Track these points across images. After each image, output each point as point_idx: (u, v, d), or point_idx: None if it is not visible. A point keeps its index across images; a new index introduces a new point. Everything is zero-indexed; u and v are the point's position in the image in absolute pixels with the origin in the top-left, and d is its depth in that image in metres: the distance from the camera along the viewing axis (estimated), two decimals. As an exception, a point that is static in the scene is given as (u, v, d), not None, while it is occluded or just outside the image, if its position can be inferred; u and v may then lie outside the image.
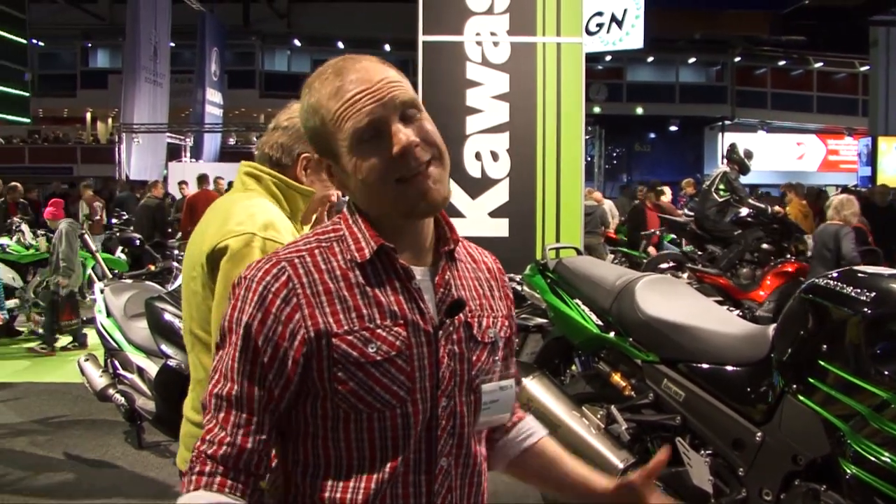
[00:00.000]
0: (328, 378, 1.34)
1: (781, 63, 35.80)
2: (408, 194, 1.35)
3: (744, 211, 10.42)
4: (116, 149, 20.81)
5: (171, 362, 4.66)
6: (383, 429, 1.36)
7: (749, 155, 10.93)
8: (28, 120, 21.81)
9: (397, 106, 1.35)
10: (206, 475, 1.32)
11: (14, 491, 5.17)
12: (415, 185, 1.35)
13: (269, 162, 2.34)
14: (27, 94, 20.35)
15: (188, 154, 23.65)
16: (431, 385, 1.39)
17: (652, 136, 38.20)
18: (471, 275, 1.52)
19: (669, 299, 3.35)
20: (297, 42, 35.11)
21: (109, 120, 36.12)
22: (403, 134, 1.33)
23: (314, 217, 2.45)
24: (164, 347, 4.77)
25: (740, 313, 8.03)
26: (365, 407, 1.35)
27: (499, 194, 6.82)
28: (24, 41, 19.85)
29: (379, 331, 1.36)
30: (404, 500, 1.39)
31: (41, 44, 33.57)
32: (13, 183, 14.20)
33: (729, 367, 3.03)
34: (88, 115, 38.51)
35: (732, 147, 11.04)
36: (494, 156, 6.83)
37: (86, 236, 10.15)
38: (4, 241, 10.68)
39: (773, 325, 2.99)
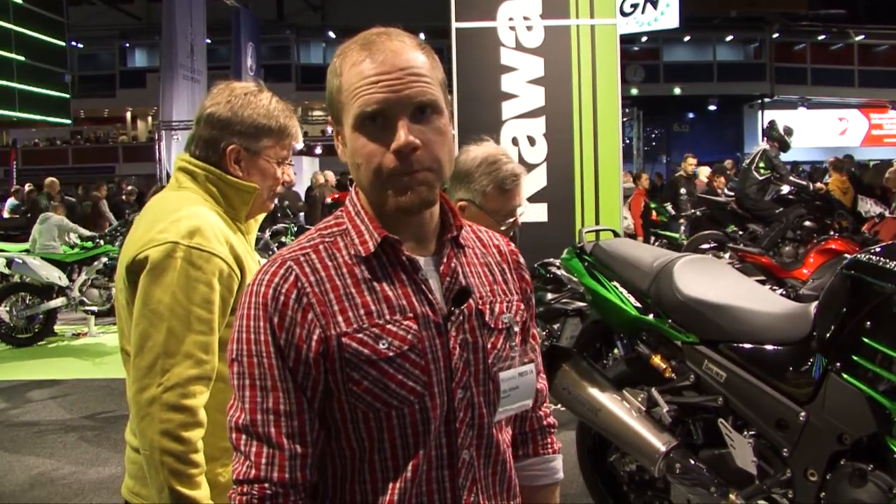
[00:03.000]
0: (342, 379, 1.32)
1: (821, 38, 35.16)
2: (393, 188, 1.32)
3: (785, 188, 10.33)
4: (156, 147, 21.01)
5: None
6: (403, 426, 1.33)
7: (789, 132, 10.79)
8: (69, 121, 22.07)
9: (412, 103, 1.30)
10: None
11: (65, 485, 5.27)
12: (398, 184, 1.31)
13: (204, 162, 2.09)
14: (68, 96, 20.60)
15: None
16: (446, 377, 1.36)
17: (690, 116, 37.82)
18: (479, 260, 1.49)
19: (708, 279, 3.31)
20: (331, 34, 35.17)
21: (149, 118, 36.55)
22: (406, 134, 1.28)
23: (262, 216, 2.25)
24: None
25: (784, 292, 7.93)
26: (382, 405, 1.32)
27: (537, 179, 6.79)
28: (63, 44, 20.09)
29: (389, 326, 1.33)
30: (428, 498, 1.37)
31: (80, 45, 34.01)
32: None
33: (770, 347, 2.99)
34: (128, 115, 38.99)
35: (772, 124, 10.91)
36: (531, 141, 6.80)
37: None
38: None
39: (815, 303, 2.94)
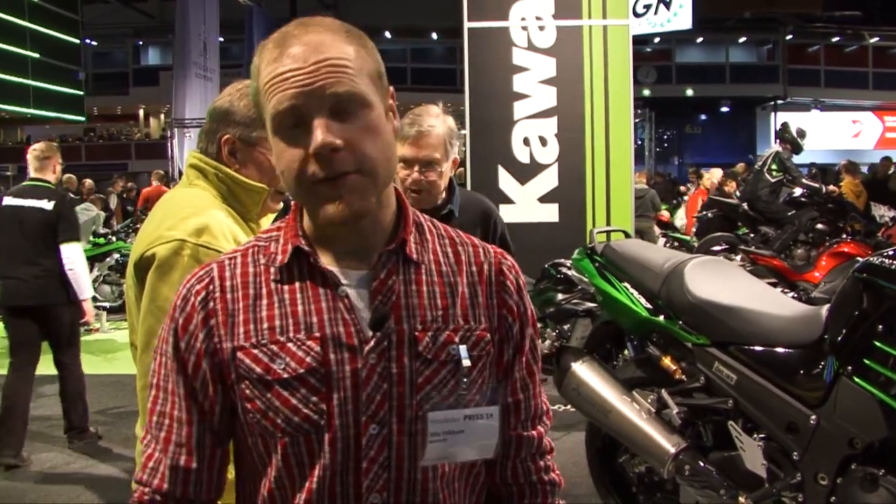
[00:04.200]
0: (238, 394, 1.21)
1: (835, 39, 34.96)
2: (318, 198, 1.17)
3: (797, 191, 10.28)
4: (169, 144, 21.07)
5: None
6: (298, 454, 1.20)
7: (802, 134, 10.75)
8: (83, 118, 22.17)
9: (327, 97, 1.14)
10: None
11: (76, 480, 5.30)
12: (323, 192, 1.15)
13: (204, 155, 2.07)
14: (82, 93, 20.68)
15: (239, 147, 23.80)
16: (354, 408, 1.19)
17: (703, 117, 37.70)
18: (438, 279, 1.28)
19: (719, 281, 3.30)
20: (343, 33, 35.16)
21: (162, 116, 36.63)
22: (322, 133, 1.12)
23: (271, 215, 2.22)
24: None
25: (795, 295, 7.91)
26: (275, 430, 1.19)
27: (548, 179, 6.79)
28: (77, 41, 20.17)
29: (290, 345, 1.19)
30: None
31: (94, 43, 34.13)
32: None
33: (781, 350, 2.98)
34: (141, 112, 39.09)
35: (784, 126, 10.87)
36: (543, 141, 6.80)
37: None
38: None
39: (827, 306, 2.93)
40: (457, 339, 1.25)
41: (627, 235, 4.14)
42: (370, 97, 1.18)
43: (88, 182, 13.69)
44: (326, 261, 1.25)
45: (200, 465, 1.24)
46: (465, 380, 1.24)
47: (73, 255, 5.85)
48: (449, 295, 1.28)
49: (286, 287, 1.23)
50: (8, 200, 5.95)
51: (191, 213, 1.91)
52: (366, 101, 1.17)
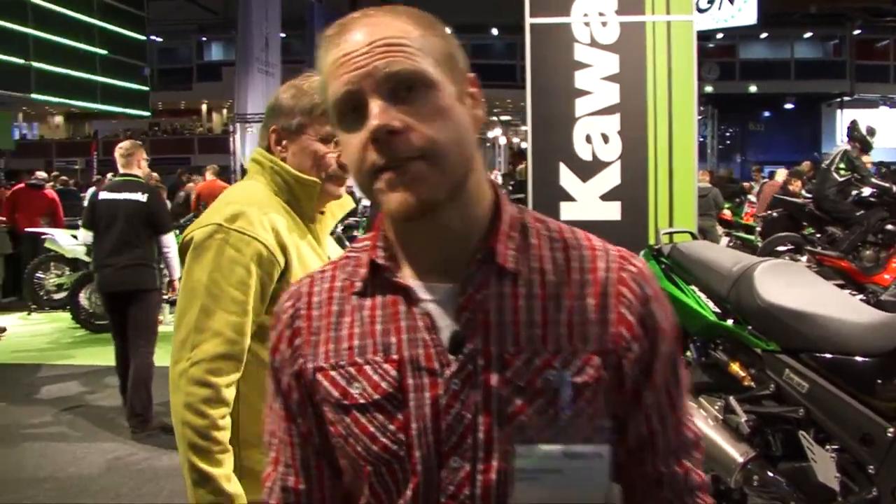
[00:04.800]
0: (324, 417, 1.16)
1: (905, 34, 34.12)
2: (380, 189, 1.05)
3: (866, 190, 10.01)
4: (231, 139, 21.34)
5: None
6: (383, 483, 1.11)
7: (872, 132, 10.49)
8: (148, 113, 22.54)
9: (382, 78, 1.03)
10: None
11: (139, 470, 5.40)
12: (384, 182, 1.04)
13: (263, 150, 2.14)
14: (147, 89, 21.04)
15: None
16: (435, 440, 1.07)
17: (766, 114, 37.06)
18: (540, 290, 1.10)
19: (791, 285, 3.21)
20: (403, 28, 35.26)
21: (224, 111, 37.15)
22: (378, 116, 1.01)
23: (339, 210, 2.26)
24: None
25: (863, 297, 7.71)
26: (357, 457, 1.12)
27: (610, 177, 6.68)
28: (143, 38, 20.52)
29: (367, 367, 1.11)
30: None
31: (160, 40, 34.72)
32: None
33: (857, 358, 2.88)
34: (204, 107, 39.70)
35: (854, 124, 10.60)
36: (605, 138, 6.70)
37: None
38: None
39: (904, 314, 2.84)
40: (557, 364, 1.07)
41: (694, 237, 4.07)
42: (434, 77, 1.05)
43: (154, 175, 13.88)
44: (409, 273, 1.13)
45: (310, 486, 1.20)
46: (566, 411, 1.06)
47: (170, 243, 6.62)
48: (552, 310, 1.09)
49: (367, 303, 1.14)
50: (104, 195, 6.56)
51: (234, 200, 2.00)
52: (428, 81, 1.05)
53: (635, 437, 1.14)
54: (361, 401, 1.10)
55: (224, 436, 1.86)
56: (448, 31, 1.14)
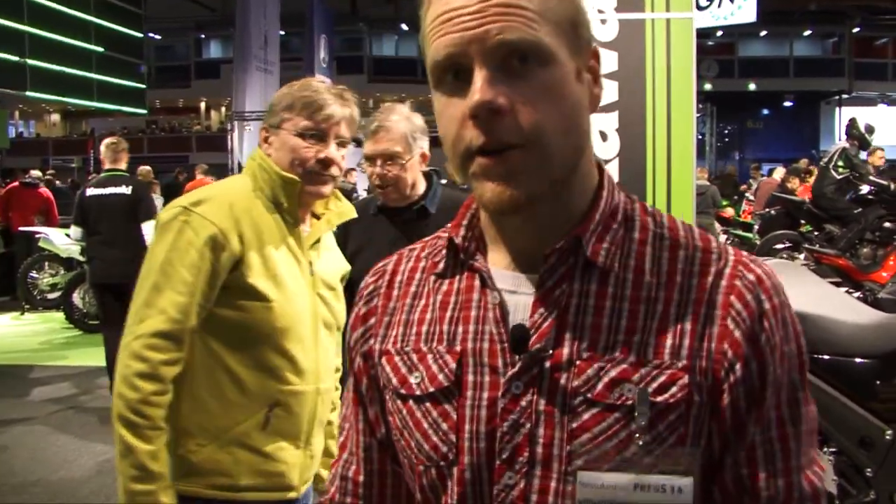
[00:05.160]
0: (384, 402, 1.08)
1: (904, 32, 34.12)
2: (474, 175, 0.92)
3: (864, 188, 9.99)
4: (229, 137, 21.27)
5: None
6: (433, 486, 1.01)
7: (870, 130, 10.47)
8: (145, 111, 22.49)
9: (494, 45, 0.88)
10: None
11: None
12: (481, 168, 0.90)
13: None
14: (144, 86, 20.98)
15: (298, 140, 23.96)
16: (488, 447, 0.95)
17: (765, 112, 37.06)
18: (633, 292, 0.94)
19: (790, 286, 3.14)
20: (404, 27, 35.28)
21: (223, 109, 37.11)
22: (482, 90, 0.87)
23: (335, 217, 2.25)
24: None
25: (861, 295, 7.68)
26: (411, 452, 1.02)
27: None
28: (140, 35, 20.46)
29: (429, 356, 1.01)
30: None
31: (157, 37, 34.67)
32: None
33: (856, 360, 2.84)
34: (202, 105, 39.65)
35: (852, 122, 10.58)
36: (603, 136, 6.64)
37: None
38: None
39: (905, 314, 2.80)
40: (636, 378, 0.91)
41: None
42: (552, 49, 0.90)
43: (145, 168, 13.88)
44: (495, 258, 1.01)
45: (370, 479, 1.12)
46: (643, 436, 0.90)
47: (151, 231, 6.41)
48: (642, 316, 0.93)
49: (444, 286, 1.04)
50: (91, 191, 6.80)
51: (207, 187, 2.10)
52: (545, 55, 0.89)
53: (733, 478, 0.94)
54: (418, 392, 1.00)
55: (155, 412, 1.86)
56: None
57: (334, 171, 2.09)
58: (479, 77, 0.88)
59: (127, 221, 6.68)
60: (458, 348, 0.99)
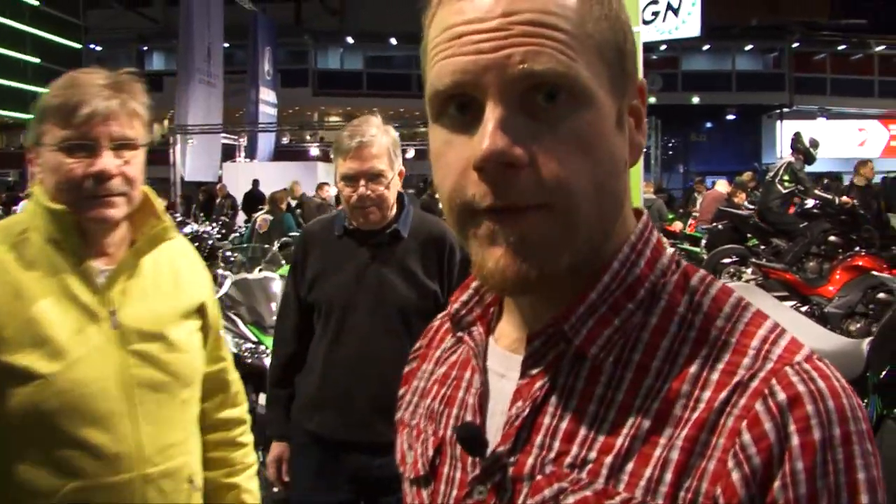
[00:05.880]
0: None
1: (841, 48, 34.87)
2: (475, 239, 0.73)
3: (810, 202, 10.10)
4: (171, 150, 20.95)
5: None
6: None
7: (815, 144, 10.59)
8: (84, 124, 22.13)
9: (515, 77, 0.69)
10: None
11: None
12: (483, 228, 0.72)
13: None
14: (83, 99, 20.64)
15: (243, 154, 23.76)
16: None
17: (708, 125, 37.53)
18: (627, 396, 0.73)
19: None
20: (349, 39, 35.10)
21: (165, 122, 36.59)
22: (494, 135, 0.68)
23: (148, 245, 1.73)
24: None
25: (808, 310, 7.72)
26: None
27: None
28: (79, 46, 20.12)
29: (421, 436, 0.90)
30: None
31: (99, 48, 34.11)
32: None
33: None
34: (145, 117, 39.03)
35: (797, 136, 10.69)
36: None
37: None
38: None
39: (868, 340, 2.74)
40: (610, 487, 0.71)
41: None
42: (590, 87, 0.71)
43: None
44: (504, 329, 0.85)
45: None
46: None
47: None
48: (628, 430, 0.72)
49: (453, 356, 0.91)
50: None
51: None
52: (581, 93, 0.70)
53: None
54: (407, 474, 0.90)
55: None
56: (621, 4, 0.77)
57: (116, 185, 1.58)
58: (492, 116, 0.69)
59: None
60: (441, 433, 0.86)
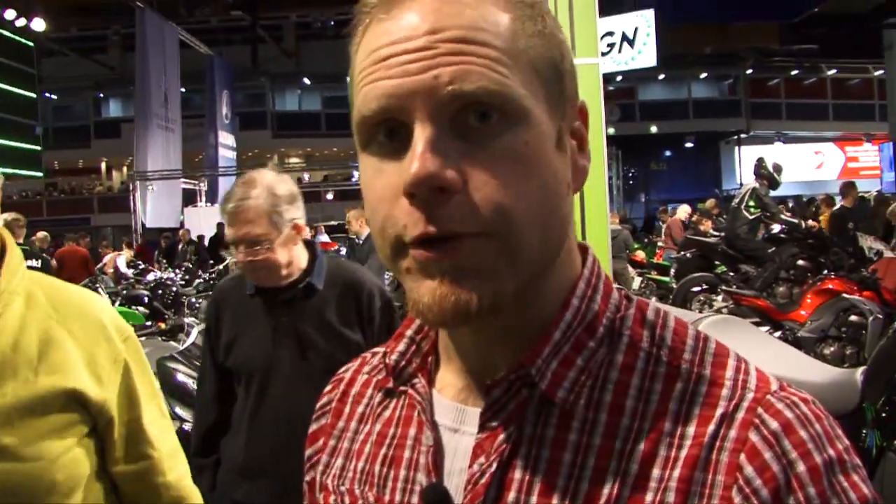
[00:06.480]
0: None
1: (794, 73, 35.52)
2: (407, 273, 0.68)
3: (776, 227, 10.11)
4: (131, 196, 20.73)
5: (186, 426, 4.37)
6: None
7: (778, 169, 10.62)
8: (41, 174, 21.89)
9: (444, 99, 0.64)
10: None
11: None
12: (416, 259, 0.66)
13: None
14: (39, 149, 20.36)
15: (204, 199, 23.57)
16: None
17: (668, 153, 37.96)
18: (604, 440, 0.68)
19: (736, 343, 2.99)
20: (306, 80, 35.11)
21: (125, 169, 36.25)
22: (423, 157, 0.63)
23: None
24: (178, 410, 4.47)
25: (781, 335, 7.68)
26: None
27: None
28: (34, 96, 19.88)
29: (359, 502, 0.79)
30: None
31: (54, 97, 33.79)
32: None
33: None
34: (103, 165, 38.64)
35: (760, 161, 10.73)
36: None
37: (99, 289, 9.96)
38: None
39: (861, 369, 2.65)
40: None
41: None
42: (525, 104, 0.66)
43: (41, 235, 13.27)
44: (446, 378, 0.78)
45: None
46: None
47: None
48: (612, 477, 0.66)
49: (387, 411, 0.82)
50: None
51: None
52: (516, 111, 0.65)
53: None
54: None
55: None
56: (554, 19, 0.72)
57: None
58: (421, 138, 0.63)
59: None
60: (386, 499, 0.76)
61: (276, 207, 2.36)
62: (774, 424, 0.64)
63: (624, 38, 18.63)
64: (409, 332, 0.81)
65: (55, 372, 1.29)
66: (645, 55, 18.92)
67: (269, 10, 29.34)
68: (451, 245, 0.64)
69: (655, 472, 0.65)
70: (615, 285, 0.77)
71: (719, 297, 9.66)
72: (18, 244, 4.91)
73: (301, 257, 2.49)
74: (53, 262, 13.52)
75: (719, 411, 0.66)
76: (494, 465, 0.69)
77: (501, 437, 0.70)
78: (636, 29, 18.16)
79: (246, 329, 2.47)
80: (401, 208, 0.65)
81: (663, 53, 22.01)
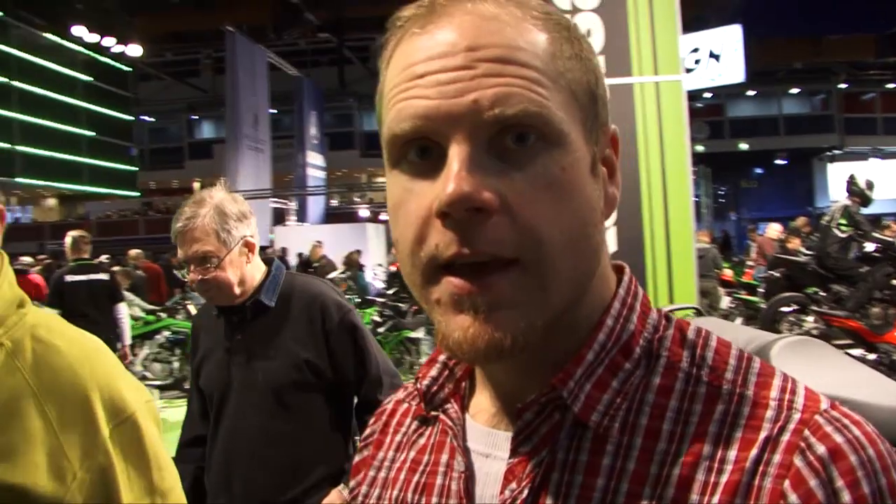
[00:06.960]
0: None
1: (890, 86, 34.37)
2: (438, 301, 0.66)
3: (869, 246, 9.79)
4: (222, 216, 21.22)
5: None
6: None
7: (871, 186, 10.28)
8: (137, 194, 22.59)
9: (484, 119, 0.62)
10: None
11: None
12: (449, 290, 0.64)
13: None
14: (135, 169, 21.05)
15: (294, 217, 23.96)
16: None
17: (758, 171, 37.13)
18: (640, 465, 0.65)
19: (814, 367, 2.90)
20: (393, 100, 35.46)
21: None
22: (459, 177, 0.61)
23: None
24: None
25: (877, 358, 7.42)
26: None
27: (608, 245, 6.46)
28: (130, 118, 20.57)
29: None
30: None
31: (151, 119, 34.88)
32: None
33: (897, 450, 2.58)
34: (196, 185, 39.72)
35: (852, 178, 10.41)
36: (597, 205, 6.49)
37: (189, 306, 10.29)
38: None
39: (948, 396, 2.53)
40: None
41: (699, 312, 3.78)
42: (564, 128, 0.65)
43: (134, 252, 13.69)
44: (480, 403, 0.76)
45: None
46: None
47: (124, 311, 7.88)
48: (653, 497, 0.63)
49: (421, 439, 0.81)
50: (71, 278, 7.41)
51: None
52: (554, 134, 0.64)
53: None
54: None
55: None
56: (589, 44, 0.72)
57: None
58: (457, 157, 0.62)
59: (109, 304, 7.61)
60: None
61: (225, 225, 2.37)
62: (822, 449, 0.61)
63: (711, 53, 18.43)
64: (441, 357, 0.80)
65: (1, 457, 1.00)
66: (732, 71, 18.68)
67: (355, 32, 29.73)
68: (487, 281, 0.62)
69: (694, 497, 0.62)
70: (655, 308, 0.76)
71: (810, 318, 9.39)
72: (83, 259, 5.04)
73: (256, 275, 2.47)
74: (142, 273, 13.99)
75: (763, 434, 0.63)
76: (526, 492, 0.67)
77: (533, 461, 0.68)
78: (723, 45, 17.94)
79: (212, 350, 2.50)
80: (433, 229, 0.63)
81: (752, 69, 21.68)
